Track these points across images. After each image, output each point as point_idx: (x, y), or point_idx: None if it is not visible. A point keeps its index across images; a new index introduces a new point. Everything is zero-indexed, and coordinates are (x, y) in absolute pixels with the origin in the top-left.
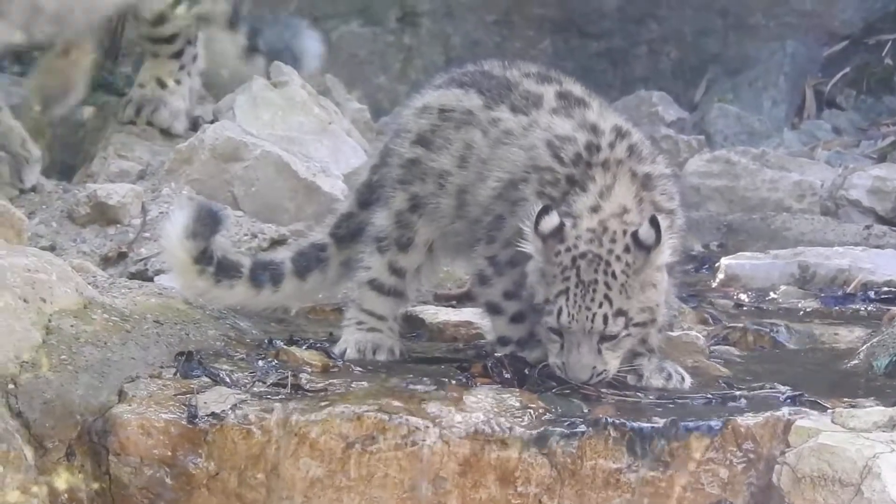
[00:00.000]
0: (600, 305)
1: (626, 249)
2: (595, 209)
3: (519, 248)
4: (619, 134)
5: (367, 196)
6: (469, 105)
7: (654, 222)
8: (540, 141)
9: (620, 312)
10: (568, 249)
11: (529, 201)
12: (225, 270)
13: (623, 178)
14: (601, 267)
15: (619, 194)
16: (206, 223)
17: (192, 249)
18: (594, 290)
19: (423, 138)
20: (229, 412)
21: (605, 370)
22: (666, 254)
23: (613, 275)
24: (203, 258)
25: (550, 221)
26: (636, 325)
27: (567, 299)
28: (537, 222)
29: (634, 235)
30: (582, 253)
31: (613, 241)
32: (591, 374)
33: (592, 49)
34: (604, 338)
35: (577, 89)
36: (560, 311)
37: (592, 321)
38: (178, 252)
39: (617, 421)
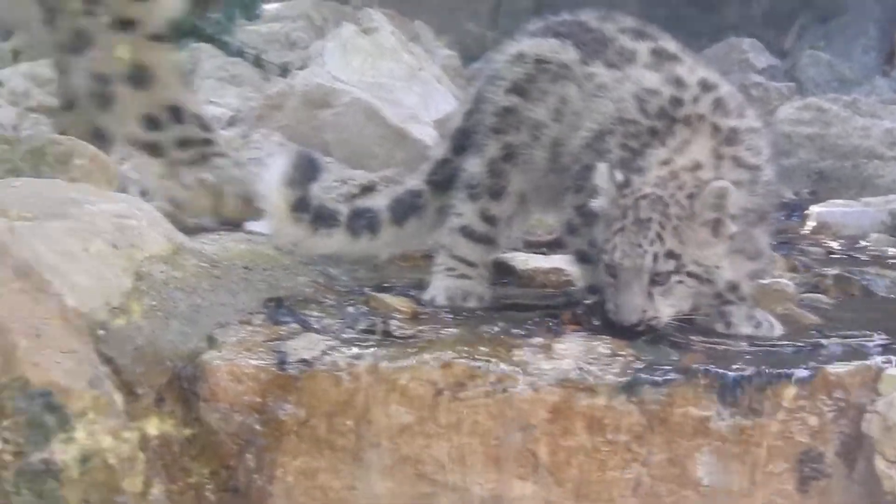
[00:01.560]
0: (651, 243)
1: (690, 196)
2: (666, 162)
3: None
4: (705, 87)
5: (462, 142)
6: (566, 58)
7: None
8: (628, 94)
9: (672, 254)
10: (633, 192)
11: (613, 153)
12: (322, 219)
13: (703, 134)
14: (658, 207)
15: (695, 150)
16: (305, 171)
17: (289, 197)
18: (648, 228)
19: (518, 87)
20: (319, 358)
21: (655, 316)
22: (718, 216)
23: (668, 216)
24: (300, 206)
25: (618, 176)
26: (690, 274)
27: (623, 236)
28: (612, 175)
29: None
30: (644, 194)
31: (680, 188)
32: (640, 317)
33: None
34: (654, 280)
35: (671, 46)
36: (615, 248)
37: (643, 258)
38: (276, 199)
39: (707, 368)
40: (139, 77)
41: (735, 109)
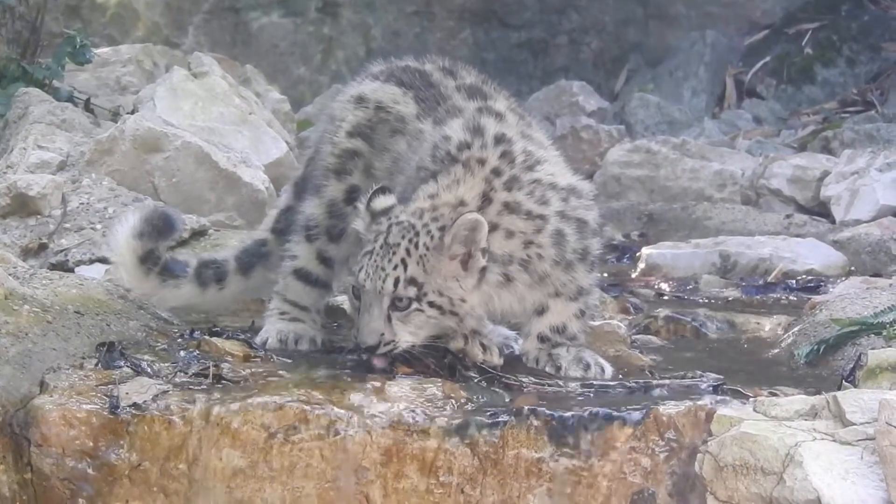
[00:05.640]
0: (395, 268)
1: (442, 228)
2: (432, 196)
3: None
4: (499, 140)
5: (304, 188)
6: (404, 112)
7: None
8: (430, 143)
9: (413, 281)
10: (389, 219)
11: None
12: (170, 271)
13: (476, 177)
14: (408, 234)
15: (463, 190)
16: (157, 226)
17: (137, 249)
18: (394, 253)
19: (360, 132)
20: (151, 403)
21: (393, 341)
22: (467, 249)
23: (416, 244)
24: (149, 259)
25: (385, 201)
26: (431, 304)
27: (370, 259)
28: (370, 200)
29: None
30: (399, 221)
31: (436, 219)
32: (378, 340)
33: (513, 40)
34: (394, 305)
35: (500, 105)
36: (361, 269)
37: (384, 281)
38: (124, 251)
39: (538, 410)
40: None
41: (525, 162)
